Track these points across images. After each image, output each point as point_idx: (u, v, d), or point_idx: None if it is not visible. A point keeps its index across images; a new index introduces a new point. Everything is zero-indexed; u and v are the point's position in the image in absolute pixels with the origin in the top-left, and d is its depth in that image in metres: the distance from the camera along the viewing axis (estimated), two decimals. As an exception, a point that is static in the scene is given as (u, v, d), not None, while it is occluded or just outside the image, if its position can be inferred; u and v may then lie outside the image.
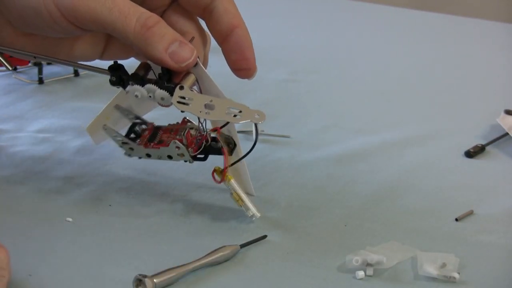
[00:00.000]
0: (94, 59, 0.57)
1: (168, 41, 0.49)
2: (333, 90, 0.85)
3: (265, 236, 0.51)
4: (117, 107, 0.56)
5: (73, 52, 0.55)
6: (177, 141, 0.52)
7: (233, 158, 0.54)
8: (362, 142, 0.69)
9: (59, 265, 0.48)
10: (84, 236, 0.51)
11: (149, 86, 0.50)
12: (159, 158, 0.54)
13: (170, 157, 0.54)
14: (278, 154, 0.65)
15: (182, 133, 0.53)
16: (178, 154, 0.53)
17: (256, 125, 0.52)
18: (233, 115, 0.50)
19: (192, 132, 0.54)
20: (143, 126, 0.57)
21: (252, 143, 0.52)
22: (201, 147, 0.53)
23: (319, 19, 1.17)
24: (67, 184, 0.58)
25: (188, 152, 0.53)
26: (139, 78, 0.50)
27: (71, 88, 0.79)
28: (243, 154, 0.53)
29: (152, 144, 0.54)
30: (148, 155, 0.55)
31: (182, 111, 0.50)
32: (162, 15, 0.55)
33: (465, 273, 0.48)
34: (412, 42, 1.06)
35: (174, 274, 0.45)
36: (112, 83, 0.51)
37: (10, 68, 0.64)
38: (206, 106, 0.50)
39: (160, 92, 0.50)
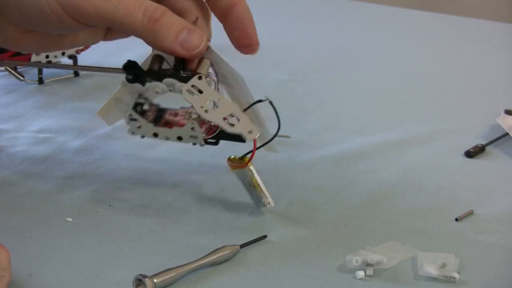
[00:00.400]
0: (97, 42, 0.57)
1: (177, 30, 0.49)
2: (333, 90, 0.85)
3: (265, 236, 0.51)
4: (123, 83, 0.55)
5: (77, 41, 0.55)
6: (195, 122, 0.51)
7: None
8: (362, 142, 0.69)
9: (59, 265, 0.48)
10: (84, 236, 0.51)
11: (168, 80, 0.50)
12: (167, 138, 0.53)
13: (180, 138, 0.53)
14: (278, 154, 0.65)
15: (194, 117, 0.52)
16: (190, 136, 0.52)
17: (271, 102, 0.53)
18: (228, 122, 0.49)
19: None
20: (145, 107, 0.55)
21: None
22: (216, 131, 0.52)
23: (319, 19, 1.17)
24: (67, 184, 0.59)
25: (202, 134, 0.52)
26: (156, 73, 0.50)
27: (71, 88, 0.79)
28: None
29: (159, 124, 0.53)
30: (155, 135, 0.54)
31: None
32: None
33: (465, 273, 0.48)
34: (412, 42, 1.06)
35: (174, 274, 0.45)
36: (130, 81, 0.51)
37: (21, 79, 0.64)
38: (211, 103, 0.49)
39: (180, 85, 0.49)
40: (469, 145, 0.68)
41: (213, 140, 0.53)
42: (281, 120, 0.73)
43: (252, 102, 0.53)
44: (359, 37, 1.08)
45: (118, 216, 0.54)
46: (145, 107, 0.55)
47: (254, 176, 0.52)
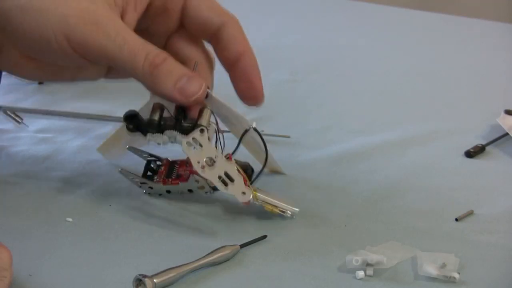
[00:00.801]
0: (98, 79, 0.57)
1: (176, 77, 0.49)
2: (333, 90, 0.85)
3: (265, 236, 0.51)
4: (130, 149, 0.56)
5: (78, 74, 0.55)
6: (195, 175, 0.52)
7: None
8: (362, 142, 0.69)
9: (59, 265, 0.48)
10: (84, 236, 0.51)
11: (169, 132, 0.50)
12: (181, 193, 0.54)
13: (190, 191, 0.54)
14: (278, 154, 0.65)
15: None
16: (198, 188, 0.53)
17: (258, 132, 0.53)
18: (222, 181, 0.49)
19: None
20: (158, 163, 0.56)
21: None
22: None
23: (319, 19, 1.17)
24: (67, 184, 0.59)
25: (208, 183, 0.52)
26: (156, 125, 0.50)
27: (71, 88, 0.79)
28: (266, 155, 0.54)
29: (170, 180, 0.54)
30: (168, 192, 0.55)
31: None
32: (168, 39, 0.55)
33: (465, 273, 0.48)
34: (412, 42, 1.06)
35: (174, 274, 0.45)
36: (131, 130, 0.51)
37: (19, 122, 0.64)
38: (208, 160, 0.49)
39: (182, 137, 0.49)
40: (469, 145, 0.68)
41: None
42: (281, 120, 0.73)
43: (255, 139, 0.54)
44: (359, 37, 1.08)
45: (118, 216, 0.54)
46: (158, 162, 0.56)
47: (266, 202, 0.52)
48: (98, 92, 0.77)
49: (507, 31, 1.12)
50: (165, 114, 0.52)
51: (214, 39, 0.54)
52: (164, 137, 0.50)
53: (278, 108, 0.77)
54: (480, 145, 0.68)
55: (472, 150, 0.67)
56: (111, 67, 0.56)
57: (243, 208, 0.53)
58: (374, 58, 0.98)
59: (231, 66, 0.54)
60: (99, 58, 0.50)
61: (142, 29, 0.53)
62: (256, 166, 0.57)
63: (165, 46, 0.55)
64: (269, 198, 0.53)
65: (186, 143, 0.49)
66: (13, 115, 0.60)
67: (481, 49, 1.03)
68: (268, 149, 0.55)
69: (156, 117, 0.51)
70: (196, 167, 0.49)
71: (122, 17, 0.51)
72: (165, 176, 0.54)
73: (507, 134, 0.70)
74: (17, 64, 0.53)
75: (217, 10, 0.54)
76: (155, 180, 0.55)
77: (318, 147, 0.67)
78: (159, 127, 0.51)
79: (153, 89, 0.50)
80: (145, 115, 0.52)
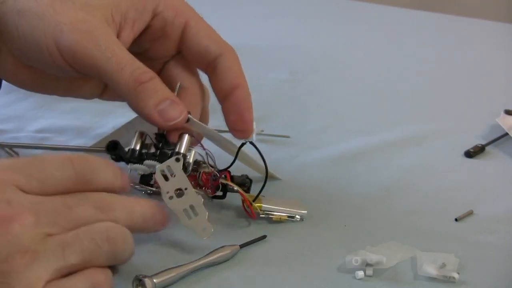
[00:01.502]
0: (92, 98, 0.57)
1: (159, 98, 0.48)
2: (333, 90, 0.85)
3: (264, 236, 0.51)
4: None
5: (72, 90, 0.55)
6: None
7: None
8: (362, 142, 0.69)
9: (59, 265, 0.48)
10: (84, 236, 0.51)
11: (148, 162, 0.50)
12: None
13: None
14: (278, 154, 0.65)
15: (198, 177, 0.53)
16: None
17: (260, 154, 0.53)
18: (187, 213, 0.49)
19: (206, 170, 0.53)
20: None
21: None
22: (218, 188, 0.53)
23: (319, 19, 1.17)
24: (67, 184, 0.58)
25: (207, 194, 0.53)
26: (136, 156, 0.50)
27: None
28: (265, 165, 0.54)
29: None
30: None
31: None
32: (164, 65, 0.55)
33: (465, 273, 0.48)
34: (412, 42, 1.06)
35: (174, 274, 0.45)
36: (114, 160, 0.51)
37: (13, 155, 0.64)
38: (177, 190, 0.48)
39: (160, 166, 0.49)
40: (469, 145, 0.68)
41: (220, 194, 0.53)
42: (281, 120, 0.73)
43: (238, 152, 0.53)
44: (359, 37, 1.08)
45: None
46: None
47: (273, 214, 0.53)
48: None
49: (507, 31, 1.12)
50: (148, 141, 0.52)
51: (210, 69, 0.53)
52: (144, 167, 0.50)
53: (278, 108, 0.77)
54: (480, 145, 0.68)
55: (472, 150, 0.67)
56: (106, 88, 0.55)
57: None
58: (373, 58, 0.98)
59: (224, 98, 0.53)
60: (86, 68, 0.49)
61: (139, 52, 0.53)
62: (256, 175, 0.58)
63: (161, 71, 0.55)
64: (275, 207, 0.53)
65: (160, 171, 0.48)
66: (10, 151, 0.61)
67: (481, 49, 1.03)
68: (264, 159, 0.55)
69: (137, 146, 0.51)
70: (164, 196, 0.48)
71: (118, 34, 0.51)
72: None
73: (507, 134, 0.70)
74: (13, 72, 0.53)
75: (216, 40, 0.53)
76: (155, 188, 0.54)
77: (317, 147, 0.67)
78: (140, 157, 0.50)
79: (135, 106, 0.49)
80: (129, 132, 0.52)
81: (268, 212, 0.53)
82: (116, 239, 0.40)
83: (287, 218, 0.53)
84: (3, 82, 0.56)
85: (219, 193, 0.53)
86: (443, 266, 0.48)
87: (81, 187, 0.40)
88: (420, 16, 1.22)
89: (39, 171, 0.38)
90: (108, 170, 0.42)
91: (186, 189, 0.48)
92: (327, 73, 0.90)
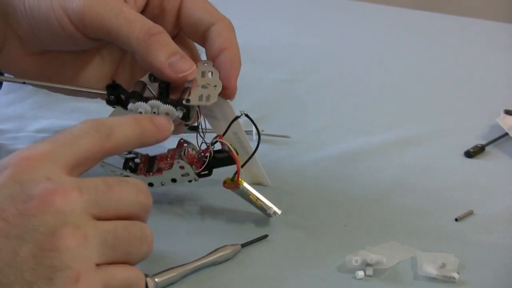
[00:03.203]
0: (96, 97, 0.56)
1: (170, 51, 0.49)
2: (333, 90, 0.85)
3: (266, 236, 0.51)
4: (103, 164, 0.54)
5: (78, 77, 0.55)
6: (181, 160, 0.52)
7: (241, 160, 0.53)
8: (362, 142, 0.69)
9: (59, 265, 0.48)
10: (85, 236, 0.51)
11: (153, 102, 0.49)
12: (162, 184, 0.54)
13: (174, 180, 0.53)
14: (278, 154, 0.65)
15: (182, 153, 0.53)
16: (182, 175, 0.53)
17: (255, 126, 0.52)
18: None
19: (191, 151, 0.53)
20: (137, 160, 0.55)
21: (254, 143, 0.52)
22: (205, 162, 0.52)
23: (319, 19, 1.17)
24: (68, 184, 0.58)
25: (193, 169, 0.52)
26: (140, 95, 0.50)
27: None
28: (252, 151, 0.53)
29: (152, 172, 0.53)
30: (151, 184, 0.54)
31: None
32: None
33: (465, 273, 0.48)
34: (412, 42, 1.06)
35: (176, 273, 0.45)
36: (110, 102, 0.50)
37: None
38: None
39: (165, 107, 0.49)
40: (469, 145, 0.68)
41: (206, 172, 0.53)
42: (281, 120, 0.73)
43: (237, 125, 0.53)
44: (359, 37, 1.08)
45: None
46: (137, 160, 0.55)
47: (250, 192, 0.52)
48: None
49: (507, 31, 1.12)
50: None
51: (204, 39, 0.54)
52: (147, 106, 0.49)
53: (278, 108, 0.77)
54: (479, 145, 0.68)
55: (472, 150, 0.67)
56: (114, 76, 0.55)
57: (244, 208, 0.53)
58: (373, 58, 0.98)
59: (213, 61, 0.53)
60: (96, 29, 0.49)
61: None
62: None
63: None
64: (255, 190, 0.52)
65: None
66: None
67: (481, 49, 1.03)
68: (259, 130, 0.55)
69: (138, 89, 0.50)
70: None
71: None
72: (146, 171, 0.54)
73: (506, 134, 0.70)
74: (18, 60, 0.53)
75: (210, 11, 0.54)
76: (137, 173, 0.54)
77: (317, 147, 0.67)
78: (142, 98, 0.49)
79: (145, 57, 0.49)
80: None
81: (246, 190, 0.52)
82: (151, 240, 0.40)
83: (262, 205, 0.52)
84: (4, 83, 0.56)
85: (206, 173, 0.53)
86: (443, 266, 0.48)
87: (106, 142, 0.40)
88: (420, 16, 1.22)
89: (67, 138, 0.39)
90: (127, 119, 0.42)
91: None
92: (327, 73, 0.90)
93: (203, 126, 0.52)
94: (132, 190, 0.39)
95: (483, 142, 0.69)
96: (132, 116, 0.43)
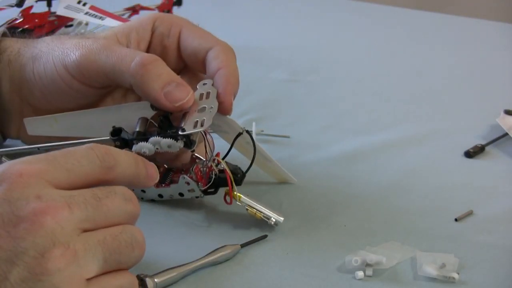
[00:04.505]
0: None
1: (164, 81, 0.49)
2: (333, 90, 0.85)
3: (265, 236, 0.51)
4: None
5: None
6: (186, 176, 0.52)
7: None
8: (362, 142, 0.69)
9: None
10: (85, 236, 0.51)
11: (153, 139, 0.49)
12: (171, 197, 0.54)
13: (181, 195, 0.53)
14: (278, 154, 0.65)
15: (191, 169, 0.53)
16: (188, 190, 0.53)
17: (250, 135, 0.52)
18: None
19: (201, 166, 0.53)
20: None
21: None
22: (210, 180, 0.52)
23: (319, 19, 1.17)
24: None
25: (198, 187, 0.52)
26: (142, 135, 0.50)
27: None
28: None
29: (163, 185, 0.54)
30: (160, 196, 0.54)
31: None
32: None
33: (465, 273, 0.48)
34: (412, 42, 1.06)
35: (175, 273, 0.45)
36: (118, 146, 0.51)
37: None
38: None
39: (165, 141, 0.49)
40: (469, 145, 0.68)
41: (212, 190, 0.53)
42: (281, 120, 0.73)
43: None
44: (359, 37, 1.08)
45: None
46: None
47: (248, 207, 0.52)
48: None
49: (507, 31, 1.12)
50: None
51: (204, 65, 0.54)
52: (149, 145, 0.49)
53: (278, 108, 0.77)
54: (479, 145, 0.68)
55: (471, 150, 0.67)
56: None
57: (244, 208, 0.53)
58: (373, 58, 0.98)
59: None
60: (94, 75, 0.51)
61: None
62: (264, 175, 0.58)
63: None
64: (253, 203, 0.52)
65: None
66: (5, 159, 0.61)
67: (481, 49, 1.03)
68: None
69: (142, 129, 0.51)
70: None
71: None
72: (160, 181, 0.54)
73: (506, 134, 0.70)
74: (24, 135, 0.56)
75: (207, 38, 0.55)
76: None
77: (317, 147, 0.67)
78: (144, 137, 0.50)
79: (141, 89, 0.50)
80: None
81: (245, 204, 0.52)
82: (143, 243, 0.40)
83: (262, 217, 0.52)
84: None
85: (211, 190, 0.53)
86: (442, 266, 0.48)
87: (105, 174, 0.40)
88: (420, 16, 1.22)
89: (67, 162, 0.38)
90: (127, 158, 0.41)
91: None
92: (327, 73, 0.90)
93: (210, 145, 0.52)
94: (120, 201, 0.39)
95: (483, 142, 0.69)
96: (134, 156, 0.42)
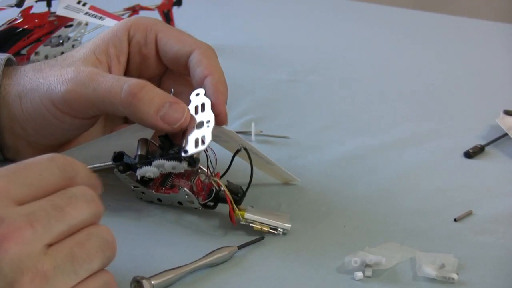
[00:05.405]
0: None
1: (158, 105, 0.49)
2: (333, 90, 0.85)
3: (262, 237, 0.51)
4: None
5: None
6: (186, 189, 0.51)
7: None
8: (362, 142, 0.69)
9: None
10: (83, 237, 0.51)
11: (157, 162, 0.49)
12: (170, 204, 0.54)
13: (180, 203, 0.53)
14: (277, 154, 0.65)
15: (193, 179, 0.52)
16: (188, 201, 0.52)
17: (248, 154, 0.52)
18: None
19: (202, 178, 0.52)
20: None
21: (254, 144, 0.52)
22: (211, 195, 0.52)
23: (319, 19, 1.17)
24: (66, 184, 0.58)
25: (198, 200, 0.52)
26: (145, 158, 0.50)
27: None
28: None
29: (164, 189, 0.53)
30: (160, 200, 0.54)
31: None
32: (159, 81, 0.57)
33: (464, 274, 0.48)
34: (412, 42, 1.06)
35: (172, 275, 0.45)
36: (121, 171, 0.51)
37: None
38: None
39: (169, 164, 0.49)
40: (469, 145, 0.68)
41: (211, 204, 0.52)
42: (280, 121, 0.73)
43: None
44: (359, 37, 1.08)
45: (116, 217, 0.54)
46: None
47: (254, 223, 0.51)
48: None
49: (507, 31, 1.12)
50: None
51: (187, 69, 0.54)
52: (153, 169, 0.49)
53: (277, 108, 0.77)
54: (479, 146, 0.68)
55: (471, 151, 0.67)
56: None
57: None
58: (373, 58, 0.98)
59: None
60: (83, 108, 0.51)
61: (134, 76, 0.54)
62: (263, 176, 0.58)
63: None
64: (257, 217, 0.52)
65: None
66: None
67: (481, 49, 1.03)
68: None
69: (143, 152, 0.50)
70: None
71: (110, 72, 0.53)
72: (160, 184, 0.53)
73: (506, 134, 0.70)
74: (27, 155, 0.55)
75: (186, 41, 0.54)
76: (150, 185, 0.54)
77: (317, 148, 0.67)
78: (147, 159, 0.50)
79: (135, 118, 0.49)
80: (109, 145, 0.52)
81: (250, 221, 0.51)
82: (113, 242, 0.39)
83: (269, 230, 0.51)
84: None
85: (211, 204, 0.53)
86: (442, 266, 0.48)
87: (66, 185, 0.38)
88: (420, 16, 1.22)
89: (27, 176, 0.37)
90: (85, 169, 0.40)
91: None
92: (327, 73, 0.90)
93: (211, 159, 0.52)
94: (83, 204, 0.38)
95: (483, 143, 0.68)
96: (89, 171, 0.40)
